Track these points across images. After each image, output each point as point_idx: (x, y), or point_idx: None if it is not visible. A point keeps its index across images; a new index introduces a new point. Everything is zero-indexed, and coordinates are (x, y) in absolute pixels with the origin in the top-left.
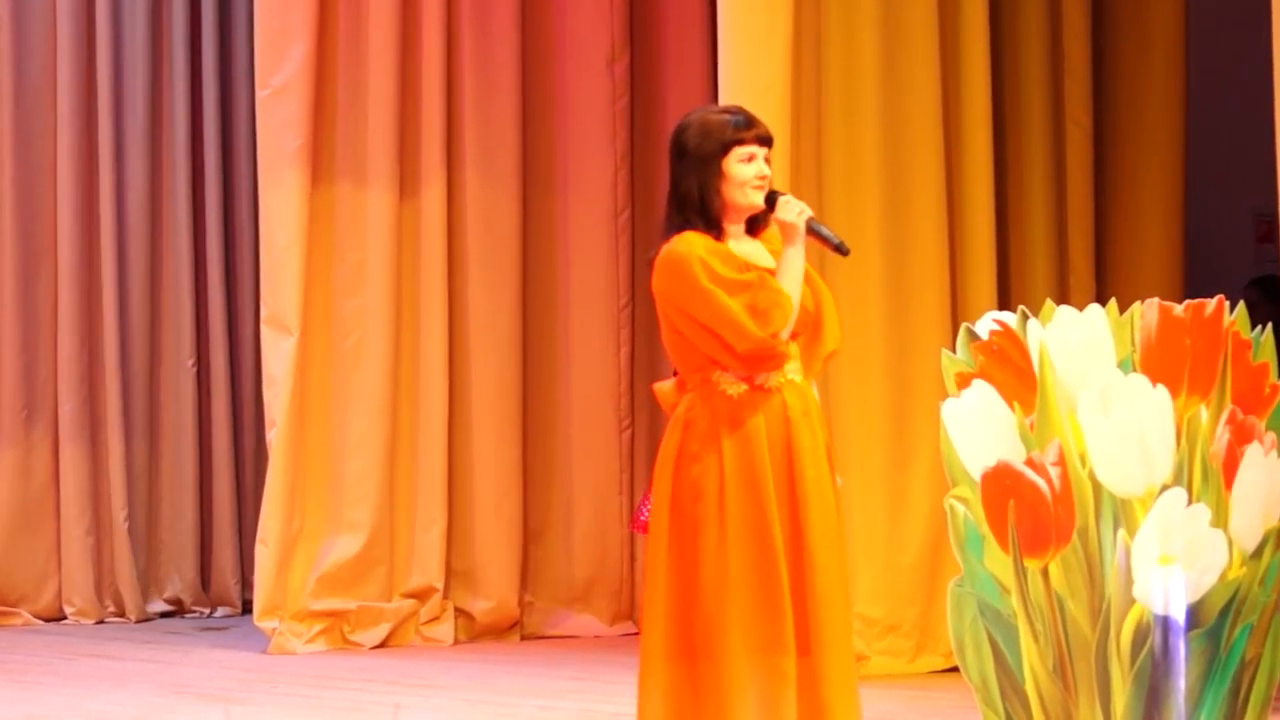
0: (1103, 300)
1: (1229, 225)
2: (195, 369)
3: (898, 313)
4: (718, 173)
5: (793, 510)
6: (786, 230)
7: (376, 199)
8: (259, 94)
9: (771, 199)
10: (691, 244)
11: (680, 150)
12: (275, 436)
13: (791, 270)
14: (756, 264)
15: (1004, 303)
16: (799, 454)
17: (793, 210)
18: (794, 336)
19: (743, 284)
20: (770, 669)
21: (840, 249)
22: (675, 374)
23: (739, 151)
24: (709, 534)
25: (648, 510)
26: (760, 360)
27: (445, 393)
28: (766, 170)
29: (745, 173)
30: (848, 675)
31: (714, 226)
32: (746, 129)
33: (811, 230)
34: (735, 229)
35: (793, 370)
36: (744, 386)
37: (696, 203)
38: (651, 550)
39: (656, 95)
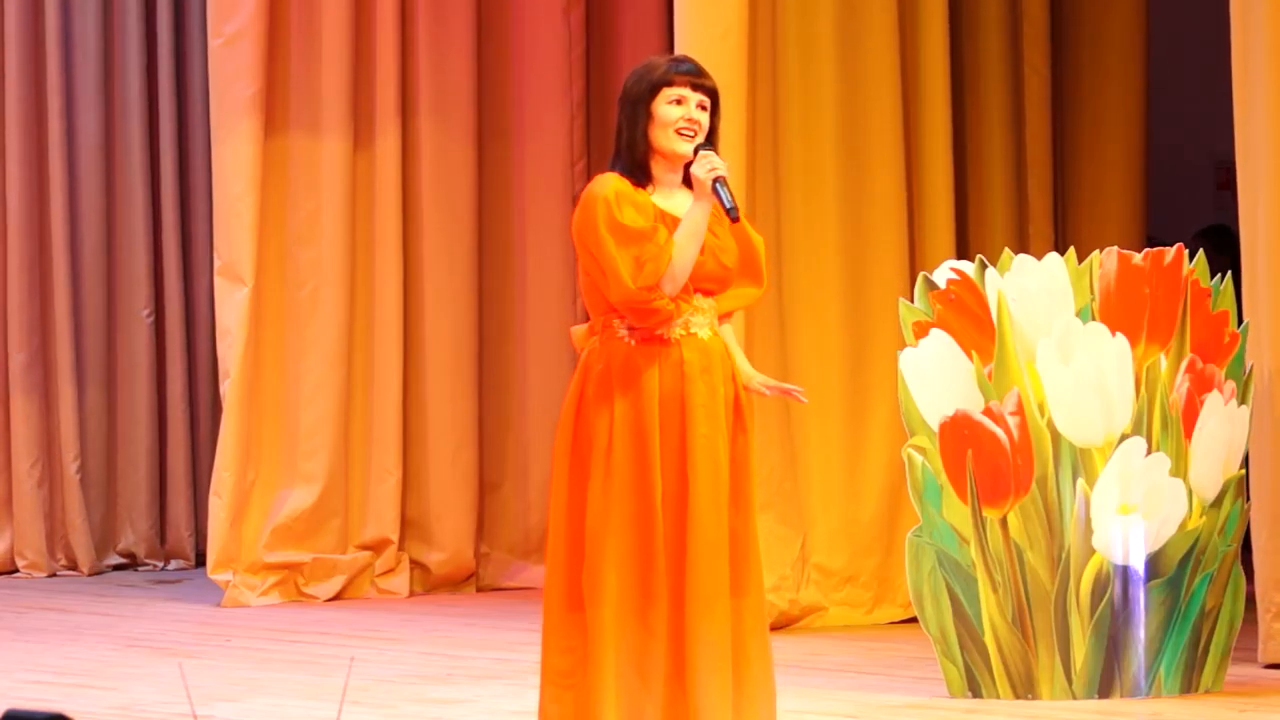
0: (1062, 249)
1: (1189, 173)
2: (151, 320)
3: (855, 261)
4: (646, 114)
5: (680, 466)
6: (696, 184)
7: (331, 148)
8: (212, 43)
9: (699, 152)
10: (605, 184)
11: (621, 93)
12: (229, 388)
13: (687, 226)
14: (675, 216)
15: (962, 251)
16: (691, 410)
17: (705, 166)
18: (709, 293)
19: (637, 234)
20: (639, 622)
21: (730, 213)
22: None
23: (667, 93)
24: (596, 484)
25: None
26: (634, 313)
27: (400, 343)
28: (697, 116)
29: (670, 114)
30: (723, 637)
31: (640, 171)
32: (678, 72)
33: (714, 189)
34: (669, 178)
35: (698, 324)
36: (640, 335)
37: (626, 145)
38: (553, 496)
39: (612, 42)
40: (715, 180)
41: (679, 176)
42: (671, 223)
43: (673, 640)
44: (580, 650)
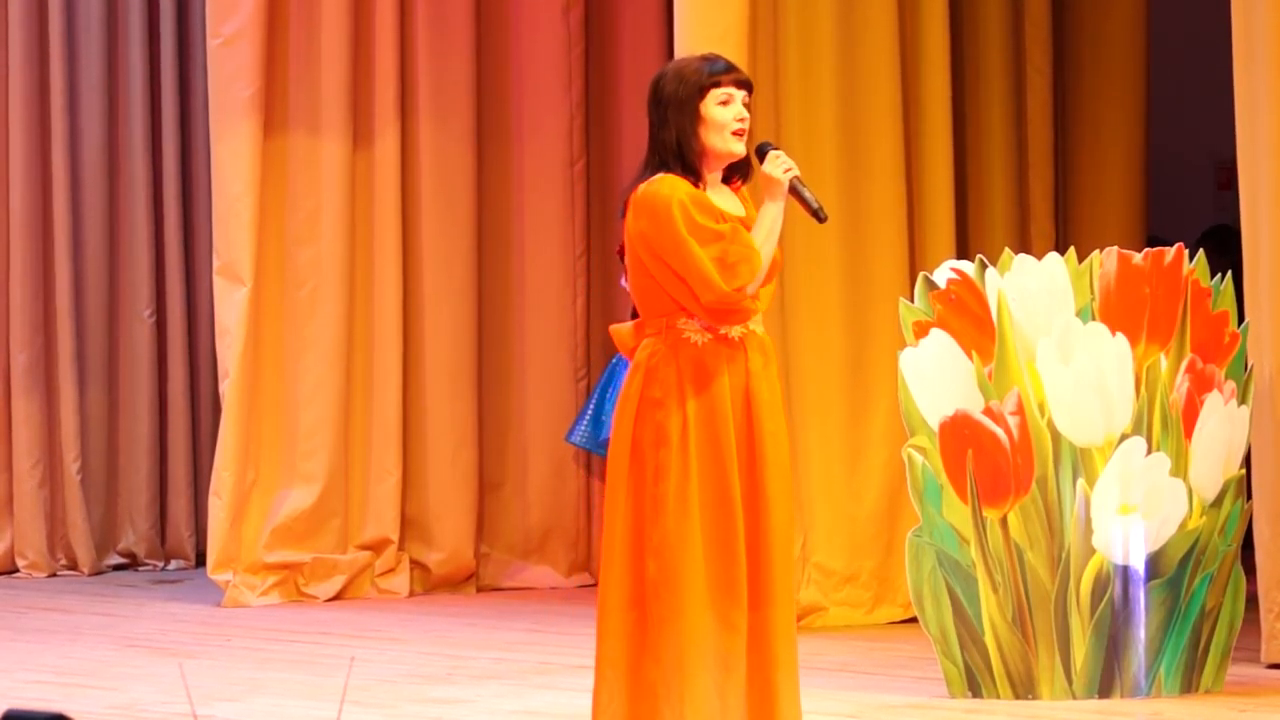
0: (1063, 249)
1: (1189, 173)
2: (152, 320)
3: (856, 261)
4: (695, 116)
5: (750, 464)
6: (770, 185)
7: (330, 148)
8: (211, 43)
9: (763, 152)
10: (674, 187)
11: (657, 97)
12: (228, 388)
13: (768, 225)
14: (729, 215)
15: (963, 251)
16: (758, 407)
17: (780, 167)
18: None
19: (717, 234)
20: (723, 620)
21: (818, 215)
22: (634, 316)
23: (716, 94)
24: (672, 481)
25: (579, 431)
26: (724, 313)
27: (400, 343)
28: (745, 114)
29: (723, 115)
30: (792, 629)
31: (692, 173)
32: (723, 72)
33: (794, 190)
34: (712, 177)
35: (756, 322)
36: (708, 335)
37: (674, 148)
38: (610, 496)
39: (612, 43)
40: (794, 180)
41: (720, 175)
42: (733, 222)
43: (752, 635)
44: (638, 643)
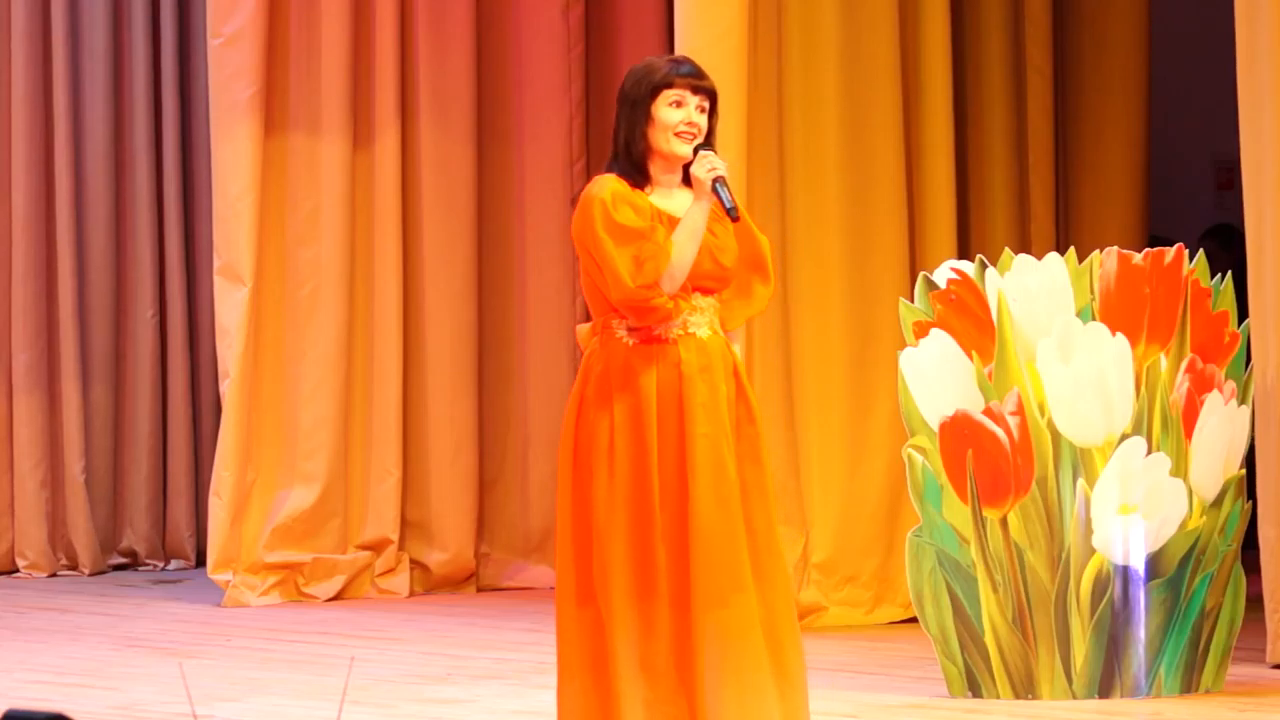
0: (1064, 249)
1: (1190, 173)
2: (156, 320)
3: (857, 261)
4: (645, 116)
5: (680, 466)
6: (696, 184)
7: (330, 148)
8: (211, 43)
9: (697, 151)
10: (602, 186)
11: (620, 94)
12: (228, 388)
13: (687, 225)
14: (674, 216)
15: (964, 251)
16: (691, 409)
17: (704, 166)
18: (708, 291)
19: (634, 233)
20: (643, 620)
21: (731, 214)
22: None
23: (667, 94)
24: (600, 485)
25: None
26: (632, 311)
27: (400, 343)
28: (696, 118)
29: (670, 117)
30: (737, 631)
31: (639, 172)
32: (678, 75)
33: (714, 189)
34: (667, 178)
35: (696, 324)
36: (636, 336)
37: (624, 147)
38: (559, 495)
39: (612, 42)
40: (715, 180)
41: (678, 176)
42: (670, 222)
43: (678, 637)
44: (588, 643)
